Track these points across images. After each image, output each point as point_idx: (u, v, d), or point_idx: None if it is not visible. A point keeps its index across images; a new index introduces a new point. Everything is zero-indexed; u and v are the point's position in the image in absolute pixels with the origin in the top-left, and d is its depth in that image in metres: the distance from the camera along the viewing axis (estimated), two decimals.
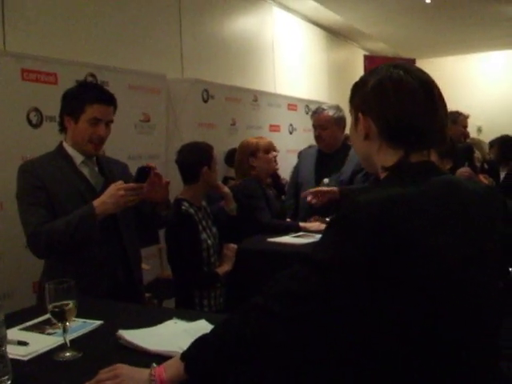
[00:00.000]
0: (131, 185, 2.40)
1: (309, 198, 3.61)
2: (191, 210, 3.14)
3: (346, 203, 1.28)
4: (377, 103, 1.38)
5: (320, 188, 3.69)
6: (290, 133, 6.94)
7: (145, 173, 2.46)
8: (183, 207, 3.13)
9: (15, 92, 3.50)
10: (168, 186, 2.61)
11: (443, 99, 1.40)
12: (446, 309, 1.23)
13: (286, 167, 5.99)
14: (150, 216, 2.70)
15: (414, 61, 9.58)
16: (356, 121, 1.45)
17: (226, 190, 3.51)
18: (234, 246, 3.27)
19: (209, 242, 3.17)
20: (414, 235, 1.21)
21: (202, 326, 1.75)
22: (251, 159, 3.86)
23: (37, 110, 3.61)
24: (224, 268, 3.20)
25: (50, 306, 1.62)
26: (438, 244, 1.23)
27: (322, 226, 3.61)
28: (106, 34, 4.98)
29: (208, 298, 3.14)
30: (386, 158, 1.39)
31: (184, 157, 3.24)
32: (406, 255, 1.20)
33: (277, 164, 4.05)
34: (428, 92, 1.36)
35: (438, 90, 1.39)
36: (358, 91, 1.45)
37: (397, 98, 1.35)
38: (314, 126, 4.06)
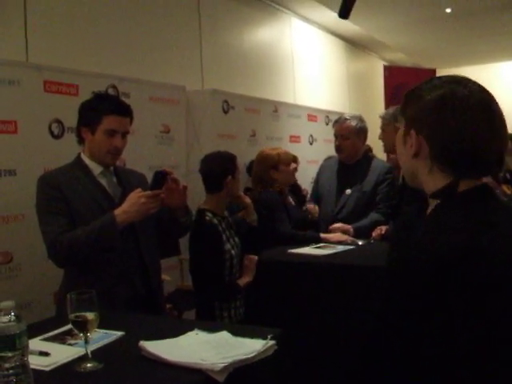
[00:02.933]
0: (151, 192, 2.39)
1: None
2: (215, 220, 3.12)
3: (406, 248, 1.26)
4: (433, 123, 1.27)
5: (336, 226, 3.75)
6: (311, 143, 6.91)
7: (162, 178, 2.44)
8: (207, 217, 3.11)
9: (37, 103, 3.52)
10: (186, 191, 2.60)
11: (504, 119, 1.30)
12: None
13: (306, 178, 5.97)
14: (168, 223, 2.69)
15: (434, 71, 9.51)
16: (406, 136, 1.34)
17: (248, 200, 3.50)
18: (254, 257, 3.25)
19: (232, 252, 3.15)
20: (482, 279, 1.17)
21: (224, 338, 1.74)
22: (272, 172, 3.84)
23: (58, 121, 3.63)
24: (245, 279, 3.18)
25: (71, 317, 1.61)
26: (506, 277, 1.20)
27: (343, 237, 3.60)
28: (126, 46, 5.01)
29: (228, 309, 3.11)
30: (435, 182, 1.31)
31: (208, 166, 3.23)
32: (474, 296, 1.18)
33: (295, 175, 4.06)
34: (490, 115, 1.27)
35: (499, 110, 1.29)
36: (413, 104, 1.33)
37: (456, 121, 1.24)
38: (336, 136, 4.05)
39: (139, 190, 2.42)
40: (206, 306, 3.13)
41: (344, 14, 6.48)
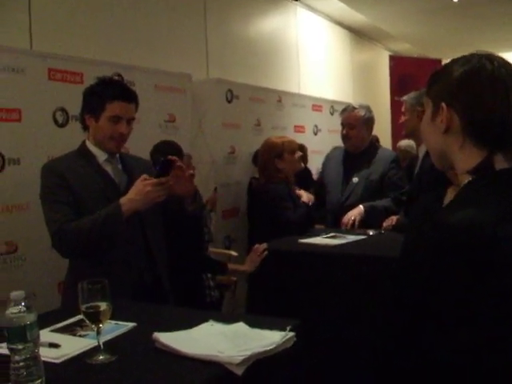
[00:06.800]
0: (157, 180, 2.32)
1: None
2: None
3: (434, 224, 1.21)
4: (466, 95, 1.28)
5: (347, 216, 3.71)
6: (315, 134, 6.85)
7: (167, 165, 2.36)
8: None
9: (42, 91, 3.47)
10: (193, 179, 2.55)
11: None
12: None
13: (310, 168, 5.94)
14: (175, 212, 2.63)
15: (440, 61, 9.42)
16: (435, 112, 1.33)
17: None
18: (263, 245, 3.17)
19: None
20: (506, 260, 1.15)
21: (241, 329, 1.68)
22: (277, 161, 3.79)
23: (63, 109, 3.58)
24: (242, 267, 3.15)
25: (82, 307, 1.56)
26: None
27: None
28: (132, 33, 4.96)
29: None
30: (467, 158, 1.29)
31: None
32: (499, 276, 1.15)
33: (301, 163, 4.02)
34: None
35: None
36: (441, 80, 1.34)
37: (489, 92, 1.25)
38: (343, 124, 4.02)
39: (144, 176, 2.35)
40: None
41: None
